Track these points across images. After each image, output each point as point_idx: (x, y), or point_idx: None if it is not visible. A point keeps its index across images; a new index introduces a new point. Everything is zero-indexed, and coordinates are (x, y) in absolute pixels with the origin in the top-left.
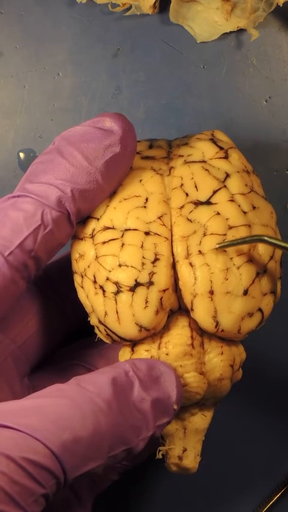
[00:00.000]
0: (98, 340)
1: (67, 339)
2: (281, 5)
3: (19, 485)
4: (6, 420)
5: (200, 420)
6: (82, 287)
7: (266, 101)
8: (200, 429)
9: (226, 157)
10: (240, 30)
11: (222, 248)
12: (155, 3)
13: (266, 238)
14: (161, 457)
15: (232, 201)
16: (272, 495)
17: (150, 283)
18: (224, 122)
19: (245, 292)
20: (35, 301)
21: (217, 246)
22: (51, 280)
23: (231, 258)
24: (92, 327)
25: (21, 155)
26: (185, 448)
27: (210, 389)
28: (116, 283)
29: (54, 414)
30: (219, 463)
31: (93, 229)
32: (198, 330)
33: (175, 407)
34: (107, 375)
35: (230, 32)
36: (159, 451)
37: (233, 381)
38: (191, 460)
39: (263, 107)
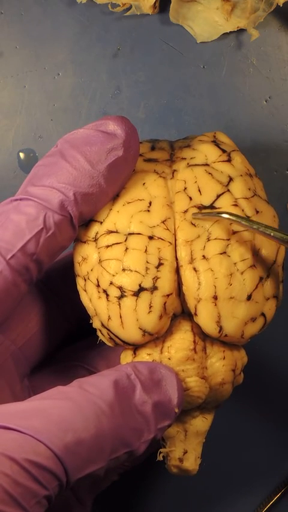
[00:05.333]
0: (99, 342)
1: (67, 340)
2: (281, 5)
3: (22, 486)
4: (9, 422)
5: (201, 423)
6: (85, 290)
7: (266, 101)
8: (201, 432)
9: (229, 161)
10: (240, 30)
11: (195, 219)
12: (155, 3)
13: (227, 215)
14: (161, 458)
15: (236, 205)
16: (272, 495)
17: (154, 288)
18: (224, 122)
19: (249, 298)
20: (36, 303)
21: (192, 215)
22: (51, 282)
23: (235, 263)
24: (93, 328)
25: (21, 155)
26: (186, 450)
27: (211, 393)
28: (120, 288)
29: (57, 416)
30: (219, 464)
31: (97, 233)
32: (200, 335)
33: (176, 410)
34: (109, 377)
35: (230, 32)
36: (160, 452)
37: (234, 385)
38: (192, 462)
39: (263, 107)
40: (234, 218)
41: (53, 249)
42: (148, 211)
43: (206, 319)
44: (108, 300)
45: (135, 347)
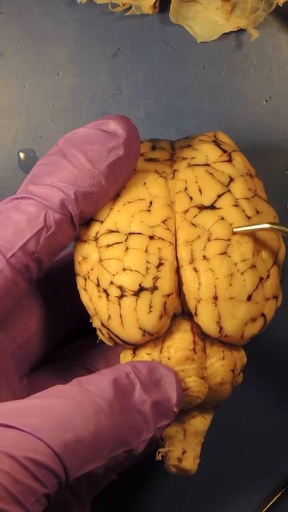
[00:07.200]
0: (98, 341)
1: (67, 339)
2: (281, 5)
3: (21, 484)
4: (9, 420)
5: (200, 422)
6: (85, 290)
7: (266, 101)
8: (200, 432)
9: (230, 161)
10: (240, 30)
11: (238, 233)
12: (155, 3)
13: (269, 225)
14: (160, 458)
15: (236, 205)
16: (272, 495)
17: (154, 288)
18: (224, 122)
19: (249, 298)
20: (36, 301)
21: (234, 230)
22: (51, 280)
23: (235, 264)
24: (93, 328)
25: (21, 155)
26: (185, 450)
27: (210, 393)
28: (120, 288)
29: (57, 414)
30: (218, 463)
31: (97, 232)
32: (200, 335)
33: (175, 409)
34: (108, 376)
35: (230, 32)
36: (159, 452)
37: (233, 386)
38: (190, 462)
39: (263, 107)
40: (277, 227)
41: (53, 248)
42: (149, 210)
43: (206, 319)
44: (108, 300)
45: (135, 347)
